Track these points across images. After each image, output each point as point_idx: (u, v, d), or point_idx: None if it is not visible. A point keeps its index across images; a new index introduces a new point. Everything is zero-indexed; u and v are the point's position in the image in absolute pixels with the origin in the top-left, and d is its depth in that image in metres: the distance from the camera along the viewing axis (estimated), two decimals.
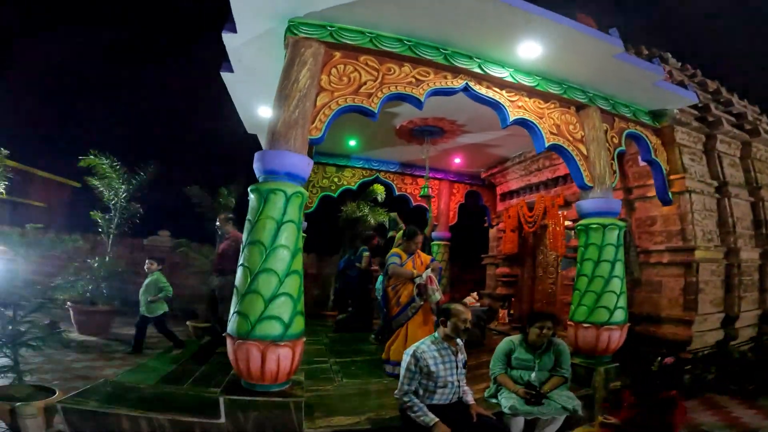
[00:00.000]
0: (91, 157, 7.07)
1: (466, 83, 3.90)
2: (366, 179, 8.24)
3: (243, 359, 2.78)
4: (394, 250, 4.65)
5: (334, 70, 3.44)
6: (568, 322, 4.32)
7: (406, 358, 2.76)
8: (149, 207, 7.88)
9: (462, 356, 2.89)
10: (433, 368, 2.70)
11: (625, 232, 4.39)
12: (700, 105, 5.43)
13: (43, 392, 3.24)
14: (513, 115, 4.09)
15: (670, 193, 5.01)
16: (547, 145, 4.20)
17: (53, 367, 4.73)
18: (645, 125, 4.97)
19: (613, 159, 4.49)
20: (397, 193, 8.59)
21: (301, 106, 3.19)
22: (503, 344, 3.43)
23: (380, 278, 5.15)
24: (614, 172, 4.47)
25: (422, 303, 4.20)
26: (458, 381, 2.81)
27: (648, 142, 4.92)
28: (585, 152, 4.36)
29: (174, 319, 8.23)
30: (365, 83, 3.50)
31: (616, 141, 4.61)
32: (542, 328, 3.25)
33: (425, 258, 4.56)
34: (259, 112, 5.35)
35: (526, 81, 4.14)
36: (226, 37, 3.71)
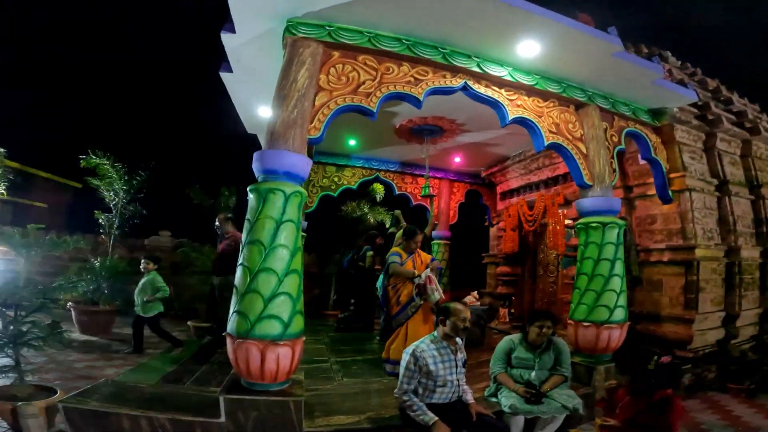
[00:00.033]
0: (92, 157, 7.08)
1: (465, 82, 3.90)
2: (366, 178, 8.25)
3: (243, 358, 2.79)
4: (395, 249, 4.65)
5: (332, 70, 3.45)
6: (568, 321, 4.33)
7: (405, 357, 2.77)
8: (150, 207, 7.89)
9: (461, 355, 2.89)
10: (432, 367, 2.70)
11: (624, 230, 4.39)
12: (700, 103, 5.42)
13: (44, 392, 3.25)
14: (512, 113, 4.09)
15: (670, 192, 5.01)
16: (546, 143, 4.20)
17: (55, 367, 4.74)
18: (645, 124, 4.96)
19: (612, 157, 4.49)
20: (397, 192, 8.60)
21: (299, 106, 3.20)
22: (503, 343, 3.43)
23: (380, 277, 5.16)
24: (614, 170, 4.47)
25: (422, 302, 4.20)
26: (458, 380, 2.80)
27: (648, 140, 4.91)
28: (584, 151, 4.36)
29: (175, 319, 8.29)
30: (364, 83, 3.50)
31: (615, 139, 4.60)
32: (542, 327, 3.25)
33: (425, 257, 4.56)
34: (258, 112, 5.36)
35: (525, 80, 4.14)
36: (225, 38, 3.72)
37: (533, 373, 3.23)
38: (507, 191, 8.10)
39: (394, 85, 3.60)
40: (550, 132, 4.24)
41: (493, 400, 3.22)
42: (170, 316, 8.38)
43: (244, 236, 3.01)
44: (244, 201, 3.14)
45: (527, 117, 4.16)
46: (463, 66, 3.86)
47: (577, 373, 3.80)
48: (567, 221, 6.37)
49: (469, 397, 2.86)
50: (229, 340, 2.90)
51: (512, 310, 7.56)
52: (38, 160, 14.90)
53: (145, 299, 5.49)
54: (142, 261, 5.85)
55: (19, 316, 3.40)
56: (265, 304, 2.80)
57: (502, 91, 4.10)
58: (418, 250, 4.53)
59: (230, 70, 4.33)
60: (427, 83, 3.73)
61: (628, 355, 3.56)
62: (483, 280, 8.93)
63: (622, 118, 4.76)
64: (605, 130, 4.52)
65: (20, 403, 2.97)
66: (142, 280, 5.68)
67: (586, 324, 4.10)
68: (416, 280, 4.20)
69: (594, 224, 4.24)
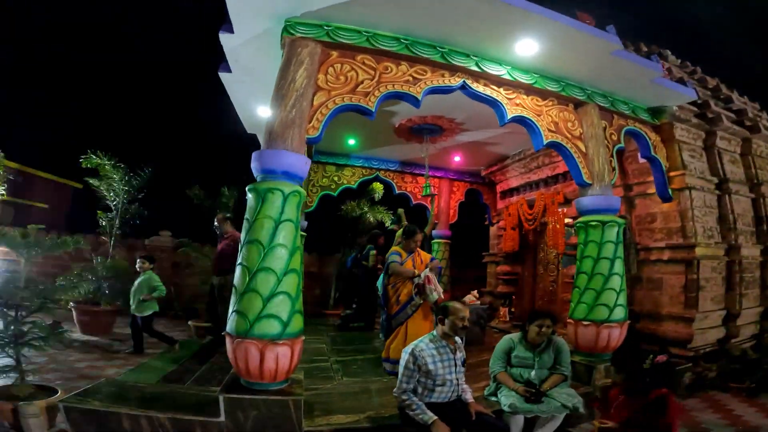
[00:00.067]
0: (93, 157, 7.09)
1: (464, 81, 3.90)
2: (366, 178, 8.25)
3: (242, 358, 2.79)
4: (394, 248, 4.66)
5: (330, 70, 3.45)
6: (568, 320, 4.32)
7: (404, 357, 2.77)
8: (150, 207, 7.90)
9: (460, 354, 2.89)
10: (431, 366, 2.70)
11: (624, 229, 4.39)
12: (699, 102, 5.41)
13: (45, 391, 3.27)
14: (511, 112, 4.09)
15: (669, 190, 5.01)
16: (545, 142, 4.20)
17: (56, 367, 4.75)
18: (644, 122, 4.96)
19: (612, 156, 4.49)
20: (397, 191, 8.60)
21: (298, 106, 3.20)
22: (503, 342, 3.43)
23: (381, 276, 5.16)
24: (613, 169, 4.47)
25: (421, 302, 4.20)
26: (457, 379, 2.80)
27: (647, 139, 4.91)
28: (583, 149, 4.36)
29: (176, 318, 8.31)
30: (362, 82, 3.51)
31: (614, 138, 4.60)
32: (541, 326, 3.24)
33: (425, 256, 4.56)
34: (258, 111, 5.37)
35: (523, 78, 4.14)
36: (224, 38, 3.73)
37: (533, 372, 3.23)
38: (507, 190, 8.10)
39: (393, 85, 3.60)
40: (549, 131, 4.24)
41: (493, 399, 3.22)
42: (170, 316, 8.42)
43: (242, 236, 3.02)
44: (244, 201, 3.15)
45: (526, 116, 4.15)
46: (461, 65, 3.86)
47: (576, 372, 3.79)
48: (567, 220, 6.36)
49: (469, 396, 2.86)
50: (228, 340, 2.90)
51: (512, 309, 7.56)
52: (39, 161, 14.94)
53: (141, 298, 5.50)
54: (138, 260, 5.86)
55: (20, 316, 3.41)
56: (264, 303, 2.81)
57: (501, 90, 4.10)
58: (418, 249, 4.53)
59: (229, 70, 4.33)
60: (425, 82, 3.73)
61: (628, 354, 3.55)
62: (483, 279, 8.94)
63: (621, 117, 4.76)
64: (604, 129, 4.51)
65: (21, 402, 2.98)
66: (138, 280, 5.69)
67: (585, 323, 4.10)
68: (416, 280, 4.20)
69: (593, 223, 4.24)
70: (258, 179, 3.12)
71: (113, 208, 7.36)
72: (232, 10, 3.34)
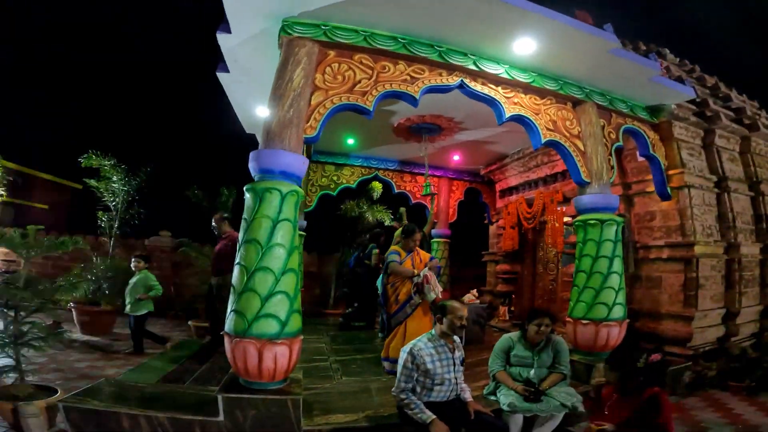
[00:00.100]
0: (93, 157, 7.10)
1: (462, 80, 3.90)
2: (365, 177, 8.25)
3: (240, 357, 2.80)
4: (393, 247, 4.66)
5: (328, 69, 3.45)
6: (567, 319, 4.33)
7: (403, 356, 2.76)
8: (150, 207, 7.91)
9: (459, 353, 2.89)
10: (429, 365, 2.70)
11: (622, 227, 4.39)
12: (698, 100, 5.41)
13: (44, 391, 3.28)
14: (509, 111, 4.09)
15: (668, 189, 5.00)
16: (543, 141, 4.20)
17: (56, 367, 4.76)
18: (642, 121, 4.96)
19: (610, 154, 4.49)
20: (396, 190, 8.60)
21: (295, 106, 3.21)
22: (502, 341, 3.43)
23: (380, 276, 5.16)
24: (612, 167, 4.47)
25: (420, 301, 4.20)
26: (456, 378, 2.80)
27: (646, 137, 4.91)
28: (582, 148, 4.36)
29: (176, 318, 8.32)
30: (360, 81, 3.51)
31: (613, 137, 4.60)
32: (540, 325, 3.24)
33: (424, 255, 4.56)
34: (256, 111, 5.37)
35: (521, 77, 4.14)
36: (221, 38, 3.73)
37: (532, 371, 3.23)
38: (506, 189, 8.09)
39: (390, 84, 3.60)
40: (548, 129, 4.24)
41: (492, 398, 3.23)
42: (170, 316, 8.43)
43: (241, 236, 3.03)
44: (243, 201, 3.15)
45: (524, 114, 4.15)
46: (459, 64, 3.86)
47: (576, 371, 3.79)
48: (566, 218, 6.36)
49: (468, 396, 2.86)
50: (226, 339, 2.91)
51: (512, 308, 7.56)
52: (39, 162, 14.96)
53: (138, 297, 5.51)
54: (133, 260, 5.87)
55: (20, 316, 3.42)
56: (262, 303, 2.81)
57: (499, 88, 4.10)
58: (417, 248, 4.53)
59: (227, 71, 4.34)
60: (423, 81, 3.74)
61: (622, 353, 3.55)
62: (483, 278, 8.94)
63: (619, 115, 4.76)
64: (603, 127, 4.51)
65: (20, 402, 2.99)
66: (134, 279, 5.70)
67: (584, 322, 4.10)
68: (415, 279, 4.21)
69: (592, 221, 4.24)
70: (256, 179, 3.13)
71: (113, 208, 7.37)
72: (230, 10, 3.34)
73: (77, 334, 6.46)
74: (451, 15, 3.44)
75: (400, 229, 4.95)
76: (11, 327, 3.38)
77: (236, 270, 2.96)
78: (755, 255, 5.47)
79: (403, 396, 2.67)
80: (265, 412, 2.73)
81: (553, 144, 4.30)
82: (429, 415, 2.56)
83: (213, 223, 5.52)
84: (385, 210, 9.11)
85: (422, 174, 7.94)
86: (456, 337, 2.91)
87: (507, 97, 4.12)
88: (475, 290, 6.68)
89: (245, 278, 2.86)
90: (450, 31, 3.68)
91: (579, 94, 4.42)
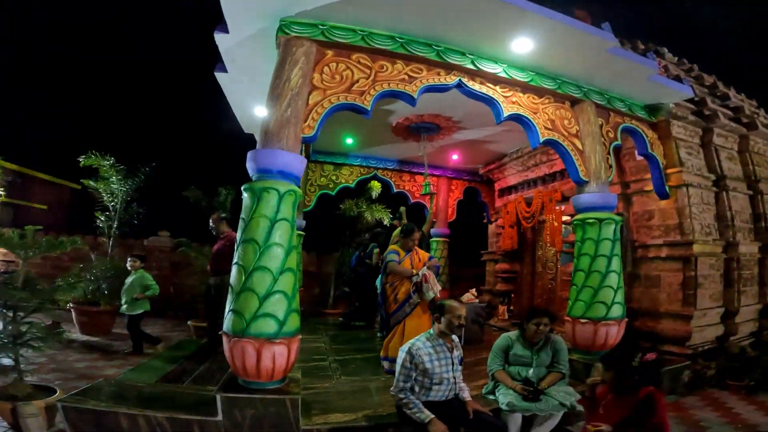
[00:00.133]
0: (92, 156, 7.10)
1: (460, 79, 3.90)
2: (364, 177, 8.26)
3: (239, 357, 2.80)
4: (392, 247, 4.66)
5: (326, 69, 3.45)
6: (566, 318, 4.33)
7: (401, 355, 2.76)
8: (149, 207, 7.91)
9: (457, 352, 2.89)
10: (428, 365, 2.69)
11: (621, 226, 4.39)
12: (696, 99, 5.42)
13: (44, 391, 3.28)
14: (507, 110, 4.09)
15: (667, 187, 5.01)
16: (541, 140, 4.20)
17: (56, 367, 4.76)
18: (641, 119, 4.96)
19: (608, 153, 4.49)
20: (395, 190, 8.60)
21: (293, 105, 3.21)
22: (501, 340, 3.43)
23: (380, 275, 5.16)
24: (610, 166, 4.47)
25: (419, 300, 4.20)
26: (454, 377, 2.80)
27: (644, 136, 4.91)
28: (580, 147, 4.36)
29: (175, 318, 8.32)
30: (357, 81, 3.51)
31: (611, 135, 4.60)
32: (539, 324, 3.24)
33: (423, 255, 4.56)
34: (255, 111, 5.37)
35: (519, 76, 4.14)
36: (219, 38, 3.73)
37: (531, 371, 3.22)
38: (505, 188, 8.10)
39: (388, 83, 3.61)
40: (546, 128, 4.24)
41: (491, 397, 3.22)
42: (170, 316, 8.43)
43: (238, 235, 3.03)
44: (242, 200, 3.15)
45: (522, 114, 4.15)
46: (457, 63, 3.86)
47: (575, 370, 3.79)
48: (565, 217, 6.37)
49: (466, 395, 2.86)
50: (225, 339, 2.91)
51: (511, 307, 7.56)
52: (38, 162, 14.94)
53: (135, 297, 5.51)
54: (129, 259, 5.87)
55: (18, 317, 3.42)
56: (261, 302, 2.82)
57: (497, 88, 4.10)
58: (416, 247, 4.53)
59: (225, 70, 4.34)
60: (421, 81, 3.74)
61: (617, 352, 3.54)
62: (482, 277, 8.94)
63: (617, 114, 4.76)
64: (601, 126, 4.51)
65: (19, 402, 2.99)
66: (130, 279, 5.70)
67: (583, 321, 4.10)
68: (414, 279, 4.21)
69: (590, 220, 4.24)
70: (254, 178, 3.13)
71: (111, 209, 7.37)
72: (227, 9, 3.35)
73: (76, 335, 6.46)
74: (448, 14, 3.44)
75: (399, 228, 4.95)
76: (10, 327, 3.38)
77: (234, 270, 2.96)
78: (754, 254, 5.47)
79: (401, 395, 2.66)
80: (264, 412, 2.73)
81: (551, 143, 4.30)
82: (427, 415, 2.55)
83: (211, 224, 5.52)
84: (384, 209, 9.11)
85: (421, 173, 7.95)
86: (455, 337, 2.90)
87: (505, 97, 4.12)
88: (474, 290, 6.68)
89: (243, 278, 2.86)
90: (448, 30, 3.68)
91: (577, 93, 4.43)
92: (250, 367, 2.79)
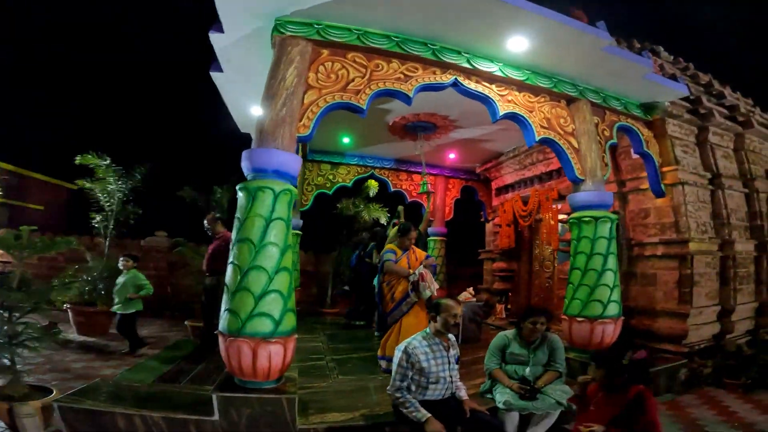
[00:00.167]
0: (89, 156, 7.07)
1: (455, 78, 3.91)
2: (361, 176, 8.27)
3: (234, 356, 2.80)
4: (389, 246, 4.65)
5: (321, 68, 3.45)
6: (562, 316, 4.34)
7: (397, 354, 2.76)
8: (146, 207, 7.88)
9: (454, 351, 2.89)
10: (424, 364, 2.69)
11: (617, 224, 4.40)
12: (692, 97, 5.43)
13: (40, 392, 3.27)
14: (503, 109, 4.10)
15: (663, 185, 5.02)
16: (537, 138, 4.21)
17: (52, 367, 4.75)
18: (636, 118, 4.97)
19: (604, 152, 4.50)
20: (392, 189, 8.60)
21: (288, 104, 3.20)
22: (497, 339, 3.43)
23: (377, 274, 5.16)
24: (606, 164, 4.48)
25: (416, 299, 4.21)
26: (451, 376, 2.80)
27: (640, 134, 4.92)
28: (576, 145, 4.37)
29: (172, 318, 8.30)
30: (353, 80, 3.51)
31: (607, 134, 4.61)
32: (535, 322, 3.24)
33: (420, 254, 4.56)
34: (251, 111, 5.35)
35: (515, 75, 4.14)
36: (214, 37, 3.73)
37: (528, 369, 3.23)
38: (502, 187, 8.11)
39: (384, 82, 3.61)
40: (542, 127, 4.25)
41: (488, 396, 3.22)
42: (167, 316, 8.41)
43: (234, 235, 3.02)
44: (237, 200, 3.15)
45: (518, 112, 4.16)
46: (453, 62, 3.86)
47: (571, 368, 3.79)
48: (561, 216, 6.38)
49: (463, 394, 2.86)
50: (221, 339, 2.91)
51: (509, 306, 7.57)
52: (35, 162, 14.88)
53: (128, 297, 5.50)
54: (121, 259, 5.85)
55: (14, 317, 3.41)
56: (256, 301, 2.81)
57: (493, 86, 4.10)
58: (413, 246, 4.53)
59: (220, 70, 4.33)
60: (416, 80, 3.74)
61: (613, 350, 3.55)
62: (479, 276, 8.95)
63: (613, 113, 4.77)
64: (597, 125, 4.52)
65: (16, 402, 2.98)
66: (123, 278, 5.68)
67: (579, 319, 4.11)
68: (411, 278, 4.21)
69: (586, 219, 4.25)
70: (249, 178, 3.13)
71: (107, 209, 7.34)
72: (222, 9, 3.34)
73: (73, 335, 6.44)
74: (443, 12, 3.44)
75: (395, 227, 4.95)
76: (6, 328, 3.37)
77: (230, 269, 2.96)
78: (750, 252, 5.49)
79: (398, 394, 2.66)
80: (260, 411, 2.73)
81: (547, 141, 4.31)
82: (424, 414, 2.55)
83: (206, 224, 5.51)
84: (382, 208, 9.11)
85: (418, 172, 7.95)
86: (451, 336, 2.90)
87: (501, 95, 4.12)
88: (471, 288, 6.69)
89: (239, 277, 2.86)
90: (443, 29, 3.68)
91: (573, 92, 4.43)
92: (246, 367, 2.79)
